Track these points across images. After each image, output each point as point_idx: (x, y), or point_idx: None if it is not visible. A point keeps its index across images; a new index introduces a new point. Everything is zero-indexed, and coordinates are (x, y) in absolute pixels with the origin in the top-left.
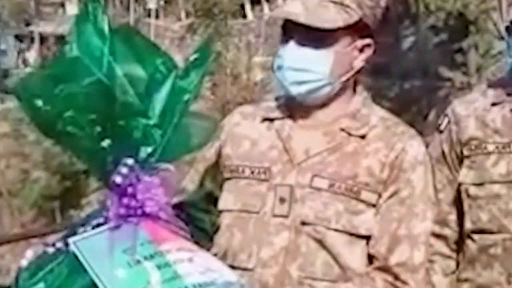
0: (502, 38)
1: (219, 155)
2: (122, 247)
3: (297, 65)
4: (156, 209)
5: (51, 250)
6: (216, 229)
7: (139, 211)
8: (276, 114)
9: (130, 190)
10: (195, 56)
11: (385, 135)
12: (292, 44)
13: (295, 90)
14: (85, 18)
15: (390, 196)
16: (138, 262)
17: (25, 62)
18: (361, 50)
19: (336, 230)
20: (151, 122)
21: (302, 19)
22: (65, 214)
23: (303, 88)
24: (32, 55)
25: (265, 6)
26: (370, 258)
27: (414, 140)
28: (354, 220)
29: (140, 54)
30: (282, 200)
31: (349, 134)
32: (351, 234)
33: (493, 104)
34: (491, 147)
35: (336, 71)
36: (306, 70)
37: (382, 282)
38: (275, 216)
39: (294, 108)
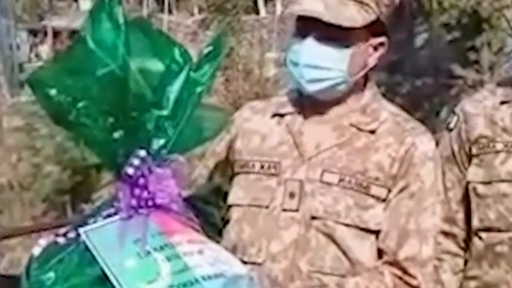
0: None
1: (229, 149)
2: (132, 238)
3: (315, 62)
4: (167, 201)
5: (62, 240)
6: (225, 223)
7: (150, 203)
8: (287, 109)
9: (141, 181)
10: (208, 49)
11: (395, 130)
12: (309, 41)
13: (311, 88)
14: (100, 10)
15: (400, 191)
16: (148, 253)
17: (38, 57)
18: (375, 48)
19: (345, 224)
20: (164, 113)
21: (326, 18)
22: (76, 208)
23: (319, 86)
24: (45, 50)
25: (278, 2)
26: (380, 253)
27: (424, 135)
28: (364, 215)
29: (154, 47)
30: (291, 195)
31: (359, 129)
32: (361, 229)
33: (502, 103)
34: (499, 146)
35: (352, 69)
36: (324, 68)
37: (390, 276)
38: (284, 210)
39: (305, 103)
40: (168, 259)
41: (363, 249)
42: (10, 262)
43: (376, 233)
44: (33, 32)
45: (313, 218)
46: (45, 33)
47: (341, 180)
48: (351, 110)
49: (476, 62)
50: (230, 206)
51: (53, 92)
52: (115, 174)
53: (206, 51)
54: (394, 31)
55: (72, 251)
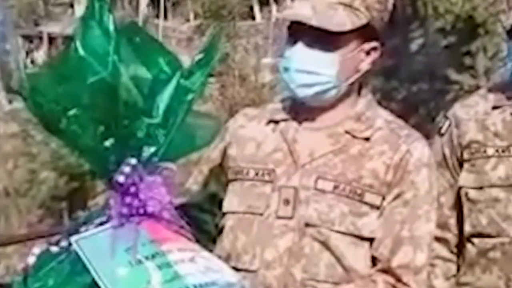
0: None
1: (223, 156)
2: (124, 246)
3: (305, 67)
4: (159, 209)
5: (54, 248)
6: (219, 231)
7: (141, 211)
8: (281, 116)
9: (132, 189)
10: (200, 56)
11: (390, 137)
12: (299, 46)
13: (302, 93)
14: (90, 17)
15: (394, 198)
16: (140, 261)
17: (33, 63)
18: (367, 53)
19: (340, 232)
20: (155, 121)
21: (313, 22)
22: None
23: (310, 91)
24: (40, 55)
25: (274, 8)
26: (374, 260)
27: (419, 142)
28: (358, 222)
29: (145, 54)
30: (286, 202)
31: (354, 137)
32: (355, 236)
33: (494, 108)
34: (490, 151)
35: (343, 74)
36: (314, 73)
37: (383, 284)
38: (279, 217)
39: (299, 110)
40: (159, 267)
41: (357, 257)
42: (6, 269)
43: (371, 240)
44: (28, 38)
45: (307, 225)
46: (41, 39)
47: (335, 187)
48: (345, 117)
49: (472, 67)
50: (224, 214)
51: (43, 100)
52: (107, 182)
53: (197, 58)
54: (389, 37)
55: (64, 259)
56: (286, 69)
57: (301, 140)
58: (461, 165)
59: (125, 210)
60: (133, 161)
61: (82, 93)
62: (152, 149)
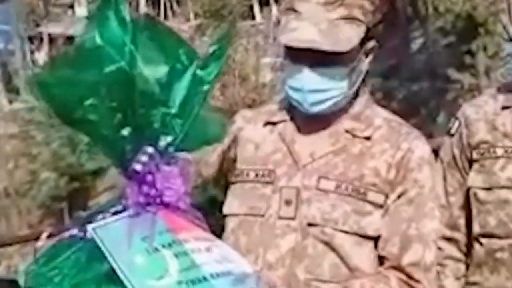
0: (511, 40)
1: (223, 159)
2: (140, 235)
3: (318, 86)
4: (175, 199)
5: (67, 237)
6: (220, 234)
7: (157, 200)
8: (279, 117)
9: (149, 178)
10: (214, 47)
11: (390, 136)
12: (309, 67)
13: (315, 109)
14: (106, 7)
15: (398, 197)
16: (156, 250)
17: (34, 63)
18: (366, 54)
19: (343, 231)
20: (172, 111)
21: (325, 47)
22: (73, 215)
23: (323, 106)
24: (41, 56)
25: (274, 8)
26: (380, 260)
27: (419, 140)
28: (362, 221)
29: (162, 44)
30: (288, 202)
31: (354, 136)
32: (359, 235)
33: (504, 108)
34: (500, 151)
35: (351, 83)
36: (327, 90)
37: (396, 280)
38: (280, 218)
39: (297, 111)
40: (176, 256)
41: (362, 256)
42: (8, 269)
43: (375, 239)
44: (29, 39)
45: (310, 225)
46: (41, 40)
47: (337, 186)
48: (344, 117)
49: (472, 66)
50: (225, 216)
51: (58, 90)
52: (123, 172)
53: (211, 49)
54: (389, 37)
55: (80, 248)
56: (297, 89)
57: (300, 140)
58: (470, 165)
59: (141, 199)
60: (150, 149)
61: (99, 82)
62: (169, 138)
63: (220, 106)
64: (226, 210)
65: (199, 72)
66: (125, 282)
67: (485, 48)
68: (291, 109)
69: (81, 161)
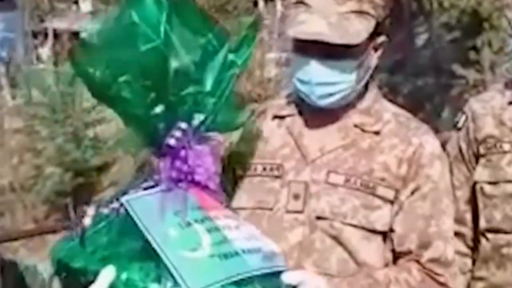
0: None
1: (229, 154)
2: (173, 209)
3: (326, 79)
4: (205, 178)
5: (105, 210)
6: None
7: (189, 177)
8: (287, 111)
9: (182, 153)
10: (245, 33)
11: (399, 130)
12: (317, 59)
13: (323, 102)
14: None
15: (412, 193)
16: (189, 224)
17: (38, 59)
18: (375, 49)
19: (352, 225)
20: (205, 90)
21: (335, 40)
22: (77, 210)
23: (332, 99)
24: (45, 52)
25: (278, 3)
26: (395, 256)
27: (429, 135)
28: (370, 216)
29: (196, 25)
30: (296, 196)
31: (363, 130)
32: (368, 230)
33: (510, 103)
34: (506, 146)
35: (360, 77)
36: (335, 83)
37: (417, 271)
38: (288, 212)
39: (305, 105)
40: (208, 231)
41: (370, 251)
42: None
43: (383, 234)
44: (33, 34)
45: (319, 218)
46: (46, 35)
47: (347, 180)
48: (354, 112)
49: (477, 61)
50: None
51: (94, 66)
52: (155, 150)
53: (243, 34)
54: (394, 32)
55: (113, 221)
56: (305, 82)
57: (308, 135)
58: (477, 160)
59: (174, 174)
60: (184, 125)
61: (133, 60)
62: (201, 117)
63: None
64: (234, 204)
65: (230, 55)
66: (159, 252)
67: (490, 44)
68: (299, 103)
69: (86, 157)
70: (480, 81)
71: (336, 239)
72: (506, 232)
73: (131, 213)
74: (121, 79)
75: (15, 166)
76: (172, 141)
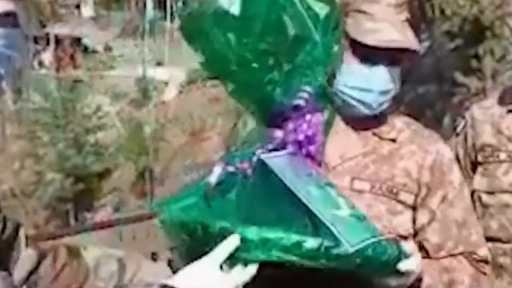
0: None
1: None
2: (304, 171)
3: (386, 87)
4: (316, 148)
5: (231, 169)
6: None
7: (309, 143)
8: None
9: (308, 117)
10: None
11: (414, 138)
12: (382, 67)
13: (378, 111)
14: None
15: (441, 201)
16: (322, 187)
17: (41, 64)
18: None
19: None
20: (317, 58)
21: (415, 46)
22: (78, 216)
23: (383, 107)
24: (47, 57)
25: None
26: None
27: (440, 142)
28: (394, 221)
29: None
30: None
31: (381, 138)
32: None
33: (509, 112)
34: (503, 156)
35: (398, 84)
36: (390, 90)
37: (465, 260)
38: None
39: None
40: (338, 194)
41: None
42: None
43: (405, 238)
44: (35, 39)
45: None
46: (48, 40)
47: (372, 187)
48: (371, 120)
49: (479, 69)
50: None
51: (213, 32)
52: (270, 118)
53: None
54: None
55: (242, 179)
56: (367, 90)
57: (329, 142)
58: (475, 167)
59: (300, 137)
60: (309, 89)
61: (254, 24)
62: (318, 84)
63: (231, 105)
64: None
65: (336, 32)
66: (312, 209)
67: (492, 52)
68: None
69: (86, 163)
70: (482, 89)
71: None
72: (502, 242)
73: (273, 168)
74: (243, 40)
75: (16, 172)
76: (301, 101)
